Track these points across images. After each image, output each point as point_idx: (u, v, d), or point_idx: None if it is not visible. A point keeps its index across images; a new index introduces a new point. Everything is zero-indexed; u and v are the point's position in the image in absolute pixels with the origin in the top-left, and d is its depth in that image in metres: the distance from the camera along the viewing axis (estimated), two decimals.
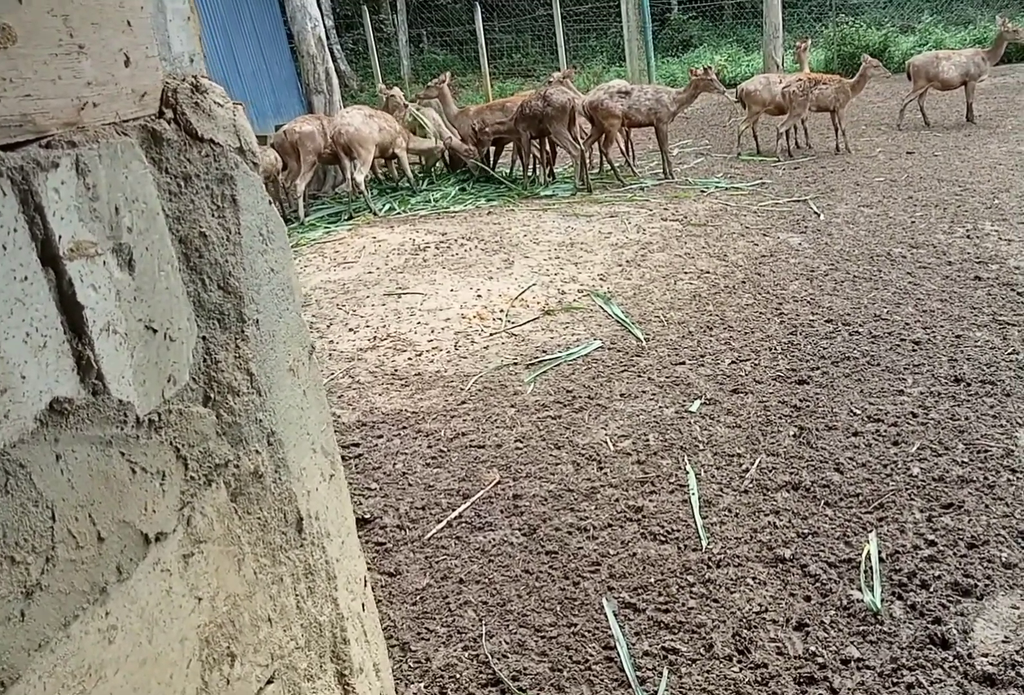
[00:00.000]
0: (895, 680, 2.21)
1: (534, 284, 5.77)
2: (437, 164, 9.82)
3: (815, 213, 7.11)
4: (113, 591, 0.86)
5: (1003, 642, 2.30)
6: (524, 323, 5.08)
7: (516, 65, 22.42)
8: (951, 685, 2.17)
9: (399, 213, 8.45)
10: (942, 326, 4.48)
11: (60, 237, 0.82)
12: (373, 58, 15.80)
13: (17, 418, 0.76)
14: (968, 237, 6.02)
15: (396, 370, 4.51)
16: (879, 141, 10.11)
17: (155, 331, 0.95)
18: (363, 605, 1.36)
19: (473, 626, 2.53)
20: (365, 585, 1.39)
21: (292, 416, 1.23)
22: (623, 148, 10.05)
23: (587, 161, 9.04)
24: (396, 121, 9.04)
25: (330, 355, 4.84)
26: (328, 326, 5.36)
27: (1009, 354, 4.06)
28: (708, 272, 5.78)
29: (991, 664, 2.23)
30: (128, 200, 0.92)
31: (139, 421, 0.91)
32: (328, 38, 11.65)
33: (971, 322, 4.51)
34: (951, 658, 2.27)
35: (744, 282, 5.50)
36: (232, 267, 1.08)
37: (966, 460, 3.20)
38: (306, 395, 1.28)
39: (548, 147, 9.41)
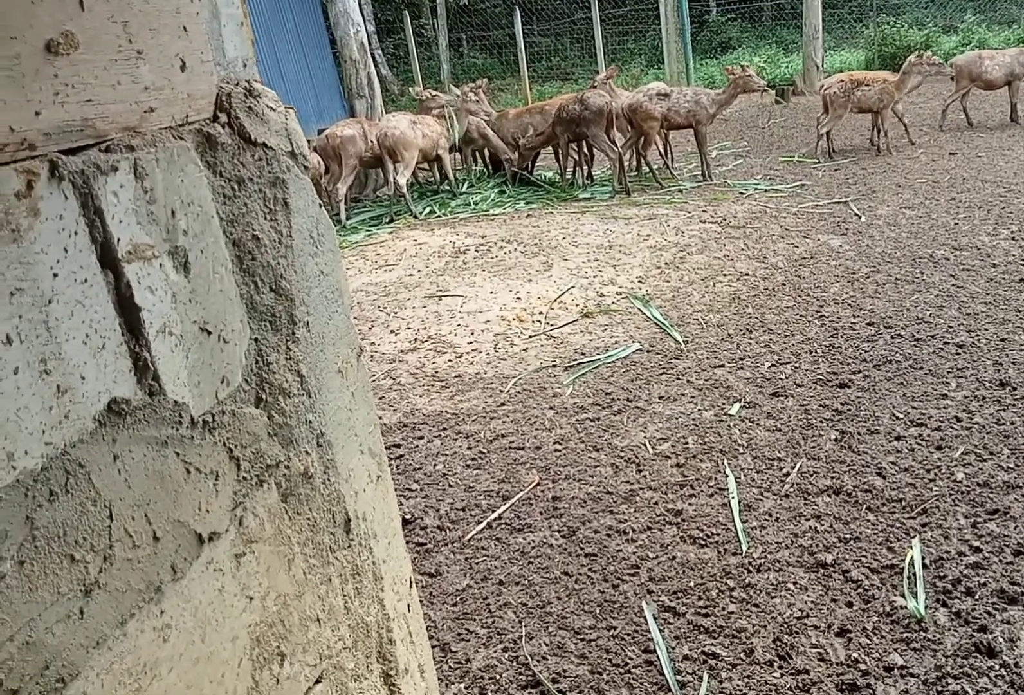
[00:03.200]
0: (939, 689, 2.16)
1: (573, 286, 5.75)
2: (476, 167, 9.82)
3: (856, 215, 6.99)
4: (168, 590, 0.86)
5: None
6: (563, 325, 5.06)
7: (555, 68, 22.40)
8: (997, 694, 2.12)
9: (439, 216, 8.47)
10: (986, 329, 4.38)
11: (119, 240, 0.83)
12: (414, 62, 15.89)
13: (77, 418, 0.76)
14: (1013, 239, 5.89)
15: (436, 372, 4.52)
16: (921, 142, 9.93)
17: (209, 333, 0.95)
18: (408, 606, 1.36)
19: (513, 627, 2.52)
20: (410, 586, 1.38)
21: (341, 418, 1.23)
22: (662, 150, 9.98)
23: (625, 164, 8.99)
24: (437, 123, 9.08)
25: (372, 357, 4.87)
26: (370, 328, 5.39)
27: None
28: (747, 274, 5.71)
29: None
30: (184, 203, 0.92)
31: (194, 422, 0.92)
32: (370, 43, 11.74)
33: (1016, 325, 4.40)
34: (997, 667, 2.21)
35: (784, 284, 5.43)
36: (284, 270, 1.08)
37: (1012, 465, 3.13)
38: (354, 397, 1.28)
39: (586, 150, 9.37)
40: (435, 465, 3.53)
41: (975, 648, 2.29)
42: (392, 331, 5.30)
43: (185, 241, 0.92)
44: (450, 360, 4.67)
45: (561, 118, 8.68)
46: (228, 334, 0.98)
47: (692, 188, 8.77)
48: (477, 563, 2.85)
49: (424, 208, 8.84)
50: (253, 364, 1.03)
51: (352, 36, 10.07)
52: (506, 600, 2.65)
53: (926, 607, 2.45)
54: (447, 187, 9.40)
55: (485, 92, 10.05)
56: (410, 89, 10.97)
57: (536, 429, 3.77)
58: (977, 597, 2.47)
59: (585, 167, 9.47)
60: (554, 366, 4.46)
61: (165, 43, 0.92)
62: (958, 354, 4.13)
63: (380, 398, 4.27)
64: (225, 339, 0.98)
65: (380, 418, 4.03)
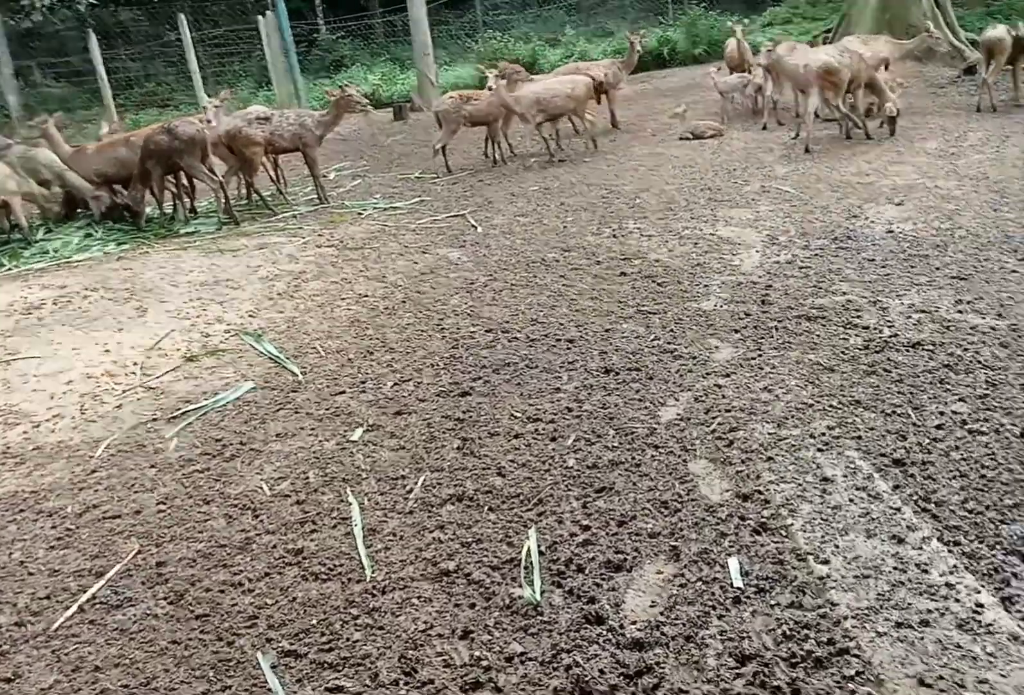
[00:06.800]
0: (555, 665, 2.43)
1: (173, 330, 5.58)
2: (55, 209, 9.13)
3: (473, 226, 7.58)
4: None
5: (650, 607, 2.62)
6: (163, 374, 4.90)
7: (150, 95, 21.67)
8: (605, 657, 2.42)
9: (8, 269, 7.76)
10: (593, 322, 4.97)
11: None
12: None
13: None
14: (614, 236, 6.74)
15: (8, 448, 4.15)
16: (534, 151, 10.99)
17: None
18: None
19: None
20: None
21: None
22: (273, 176, 10.06)
23: (231, 192, 8.92)
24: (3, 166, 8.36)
25: None
26: None
27: (652, 341, 4.61)
28: (367, 295, 5.95)
29: (639, 630, 2.52)
30: None
31: None
32: None
33: (619, 315, 5.05)
34: (605, 632, 2.53)
35: (404, 302, 5.74)
36: None
37: (616, 444, 3.59)
38: None
39: (186, 181, 9.16)
40: (10, 554, 3.25)
41: (585, 620, 2.59)
42: None
43: None
44: (25, 431, 4.31)
45: (150, 150, 8.40)
46: None
47: (308, 212, 8.94)
48: (67, 654, 2.68)
49: None
50: None
51: None
52: (103, 687, 2.52)
53: (542, 592, 2.72)
54: (19, 235, 8.65)
55: (59, 127, 9.44)
56: None
57: (135, 492, 3.62)
58: (587, 572, 2.81)
59: (186, 200, 9.24)
60: (155, 420, 4.31)
61: None
62: (569, 349, 4.64)
63: None
64: None
65: None
